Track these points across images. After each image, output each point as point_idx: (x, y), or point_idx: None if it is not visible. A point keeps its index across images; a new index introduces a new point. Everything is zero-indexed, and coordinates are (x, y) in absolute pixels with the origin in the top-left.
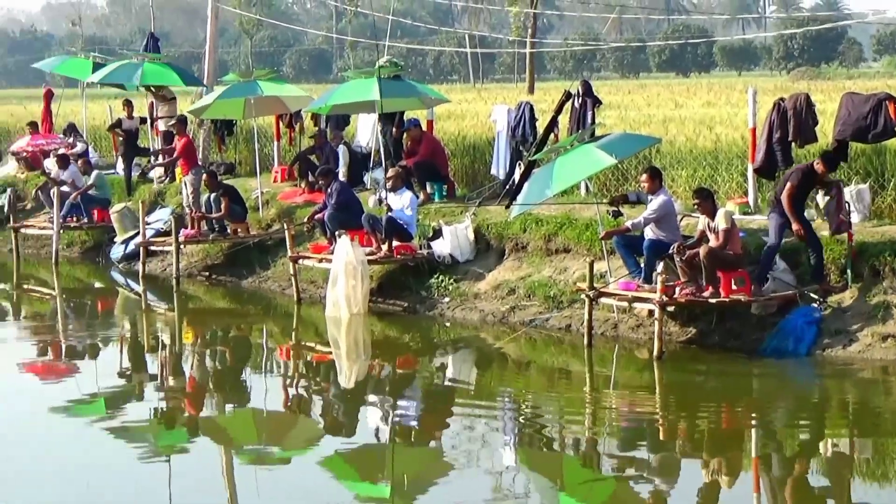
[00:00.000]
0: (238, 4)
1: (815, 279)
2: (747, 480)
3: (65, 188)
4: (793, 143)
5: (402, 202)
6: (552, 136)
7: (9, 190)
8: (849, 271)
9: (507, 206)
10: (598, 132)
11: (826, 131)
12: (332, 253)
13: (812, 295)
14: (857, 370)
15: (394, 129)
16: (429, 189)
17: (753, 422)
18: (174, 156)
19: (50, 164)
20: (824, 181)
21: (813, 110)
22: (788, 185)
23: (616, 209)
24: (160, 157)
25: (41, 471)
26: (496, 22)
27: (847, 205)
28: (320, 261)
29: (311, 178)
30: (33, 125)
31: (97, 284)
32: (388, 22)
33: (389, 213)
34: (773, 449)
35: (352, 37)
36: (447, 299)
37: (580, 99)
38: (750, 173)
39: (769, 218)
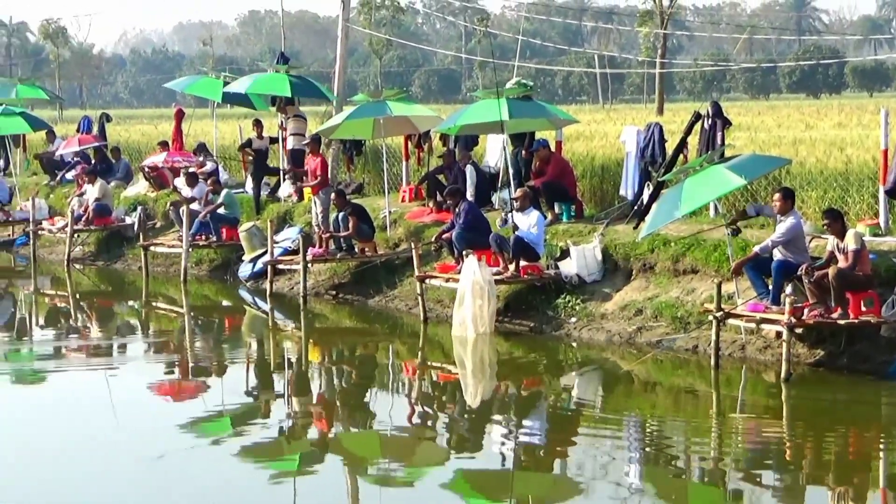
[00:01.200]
0: (368, 25)
1: None
2: None
3: (194, 206)
4: None
5: (529, 222)
6: (681, 156)
7: (139, 208)
8: None
9: (636, 227)
10: (727, 153)
11: None
12: (459, 272)
13: None
14: None
15: (524, 151)
16: (557, 209)
17: (882, 448)
18: (317, 177)
19: (180, 182)
20: None
21: None
22: None
23: (735, 227)
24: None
25: (166, 488)
26: (625, 42)
27: None
28: (447, 280)
29: (439, 197)
30: (164, 144)
31: (225, 302)
32: (517, 42)
33: (517, 233)
34: None
35: (481, 57)
36: (574, 319)
37: (710, 120)
38: (881, 195)
39: None
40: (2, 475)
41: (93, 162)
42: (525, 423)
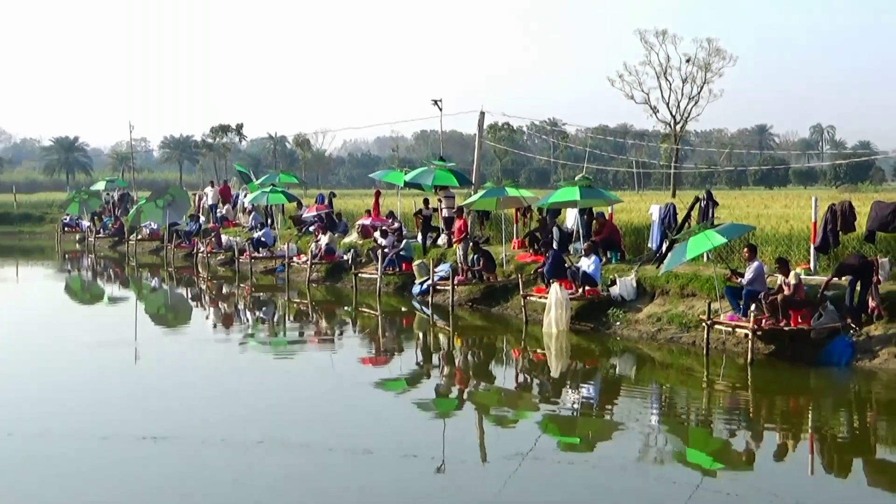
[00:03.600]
0: (493, 139)
1: (854, 316)
2: (805, 444)
3: (386, 250)
4: (840, 232)
5: (590, 262)
6: (687, 224)
7: (352, 250)
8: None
9: (658, 267)
10: (716, 223)
11: (861, 224)
12: (548, 293)
13: (851, 326)
14: (878, 376)
15: (586, 217)
16: (608, 255)
17: (810, 408)
18: (462, 233)
19: (377, 235)
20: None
21: (853, 211)
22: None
23: (730, 275)
24: (444, 232)
25: (361, 424)
26: (652, 152)
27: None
28: (540, 297)
29: (536, 247)
30: (368, 212)
31: (403, 309)
32: (585, 151)
33: (583, 270)
34: (823, 424)
35: (563, 160)
36: (618, 323)
37: (705, 202)
38: (812, 250)
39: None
40: (265, 416)
41: (324, 221)
42: (585, 386)
